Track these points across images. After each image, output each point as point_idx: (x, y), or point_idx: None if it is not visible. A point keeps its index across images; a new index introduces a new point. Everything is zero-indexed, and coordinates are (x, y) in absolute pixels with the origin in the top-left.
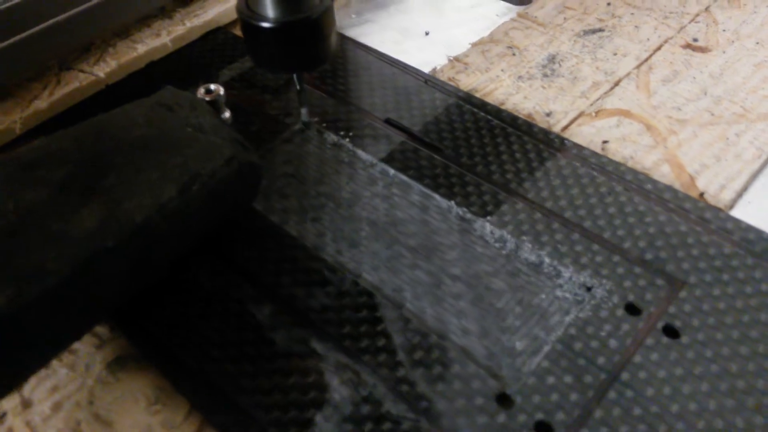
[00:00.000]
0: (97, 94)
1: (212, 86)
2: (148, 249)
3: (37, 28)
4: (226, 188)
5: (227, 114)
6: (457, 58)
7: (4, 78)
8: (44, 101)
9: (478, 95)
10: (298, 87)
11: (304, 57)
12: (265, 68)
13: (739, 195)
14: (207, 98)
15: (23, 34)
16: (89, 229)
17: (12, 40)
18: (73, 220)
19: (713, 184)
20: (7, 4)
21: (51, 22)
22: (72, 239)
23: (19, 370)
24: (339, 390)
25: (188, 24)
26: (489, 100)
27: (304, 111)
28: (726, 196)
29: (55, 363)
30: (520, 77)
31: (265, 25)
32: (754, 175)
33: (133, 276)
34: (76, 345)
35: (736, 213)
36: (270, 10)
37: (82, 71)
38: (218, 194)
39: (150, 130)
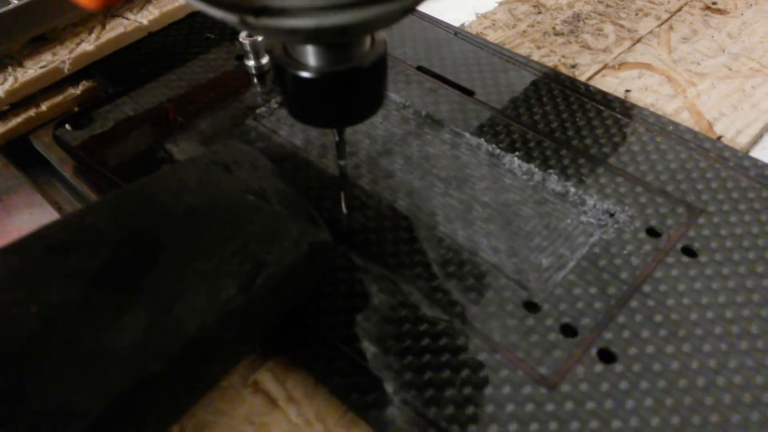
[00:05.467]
0: (140, 40)
1: None
2: (200, 363)
3: None
4: (293, 276)
5: (265, 60)
6: (485, 15)
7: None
8: (91, 44)
9: (506, 48)
10: (337, 139)
11: (350, 112)
12: (302, 121)
13: (755, 141)
14: (248, 40)
15: None
16: (130, 346)
17: None
18: (110, 331)
19: (730, 130)
20: None
21: None
22: (108, 362)
23: None
24: (378, 296)
25: None
26: (516, 52)
27: (342, 163)
28: (742, 140)
29: None
30: (545, 33)
31: (306, 75)
32: None
33: (177, 398)
34: None
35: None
36: (312, 57)
37: (126, 18)
38: (284, 285)
39: (203, 198)
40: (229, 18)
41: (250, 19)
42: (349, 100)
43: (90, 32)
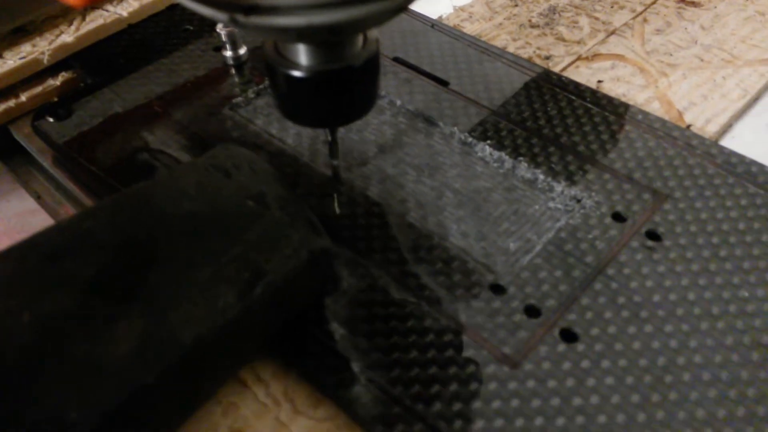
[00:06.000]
0: (120, 32)
1: None
2: (196, 374)
3: None
4: (293, 285)
5: (243, 50)
6: (462, 8)
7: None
8: (71, 36)
9: (482, 40)
10: (329, 139)
11: (342, 111)
12: (294, 121)
13: (725, 130)
14: (225, 30)
15: None
16: (124, 358)
17: None
18: (105, 342)
19: (700, 119)
20: None
21: None
22: (103, 372)
23: None
24: (348, 279)
25: None
26: (492, 44)
27: (335, 163)
28: (711, 129)
29: None
30: (521, 25)
31: (297, 74)
32: (739, 114)
33: (173, 410)
34: None
35: None
36: (304, 56)
37: (106, 10)
38: (284, 293)
39: (202, 203)
40: (219, 16)
41: (240, 18)
42: (342, 100)
43: (70, 24)
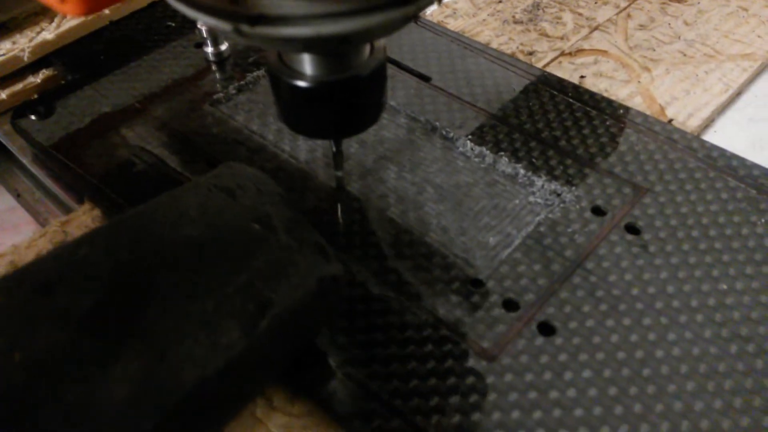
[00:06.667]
0: (101, 29)
1: None
2: (199, 417)
3: None
4: (302, 315)
5: (224, 46)
6: (446, 4)
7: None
8: (51, 33)
9: (465, 36)
10: (334, 149)
11: (349, 122)
12: (298, 132)
13: (707, 124)
14: (206, 27)
15: None
16: (121, 402)
17: None
18: (99, 384)
19: (682, 114)
20: None
21: None
22: (95, 421)
23: None
24: None
25: None
26: (475, 40)
27: (339, 174)
28: (693, 123)
29: None
30: (505, 21)
31: (302, 84)
32: (722, 109)
33: None
34: None
35: None
36: (309, 65)
37: None
38: (291, 325)
39: (204, 227)
40: (222, 26)
41: (245, 28)
42: (349, 110)
43: (50, 21)
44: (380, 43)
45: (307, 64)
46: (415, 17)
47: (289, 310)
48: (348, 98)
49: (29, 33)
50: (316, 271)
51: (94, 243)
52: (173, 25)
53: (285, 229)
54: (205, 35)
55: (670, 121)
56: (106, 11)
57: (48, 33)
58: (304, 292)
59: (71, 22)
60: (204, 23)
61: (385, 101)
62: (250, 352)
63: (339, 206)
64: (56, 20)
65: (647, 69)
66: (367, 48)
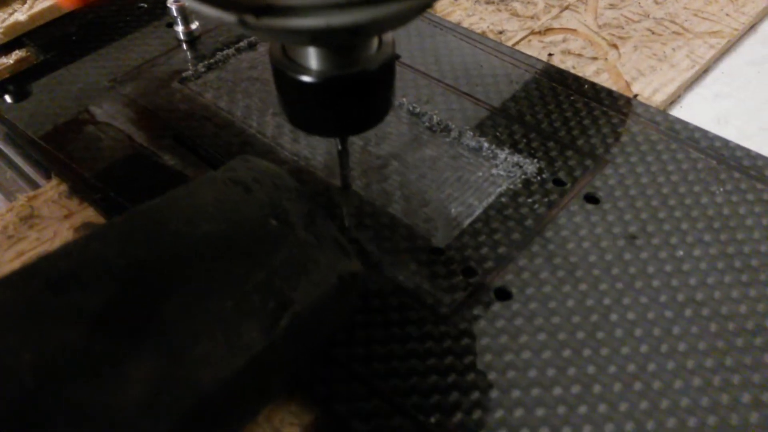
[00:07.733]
0: (74, 10)
1: None
2: (216, 420)
3: None
4: (322, 313)
5: (195, 25)
6: None
7: None
8: (24, 14)
9: (436, 15)
10: (339, 148)
11: (357, 119)
12: (303, 129)
13: (672, 100)
14: (175, 6)
15: None
16: (135, 404)
17: None
18: (113, 387)
19: (647, 89)
20: None
21: None
22: (108, 424)
23: None
24: None
25: None
26: (446, 19)
27: (346, 173)
28: (658, 98)
29: None
30: (476, 2)
31: (308, 79)
32: (688, 85)
33: None
34: None
35: None
36: (315, 60)
37: None
38: (311, 323)
39: (221, 223)
40: (226, 18)
41: (250, 19)
42: (356, 107)
43: (23, 2)
44: (388, 36)
45: (312, 57)
46: (429, 5)
47: (309, 308)
48: (355, 94)
49: (1, 14)
50: (336, 268)
51: (107, 238)
52: (145, 6)
53: (303, 225)
54: (175, 14)
55: (635, 96)
56: None
57: (20, 14)
58: (325, 290)
59: (44, 3)
60: (207, 15)
61: (394, 98)
62: (269, 352)
63: (345, 207)
64: (29, 1)
65: (615, 46)
66: (375, 42)
